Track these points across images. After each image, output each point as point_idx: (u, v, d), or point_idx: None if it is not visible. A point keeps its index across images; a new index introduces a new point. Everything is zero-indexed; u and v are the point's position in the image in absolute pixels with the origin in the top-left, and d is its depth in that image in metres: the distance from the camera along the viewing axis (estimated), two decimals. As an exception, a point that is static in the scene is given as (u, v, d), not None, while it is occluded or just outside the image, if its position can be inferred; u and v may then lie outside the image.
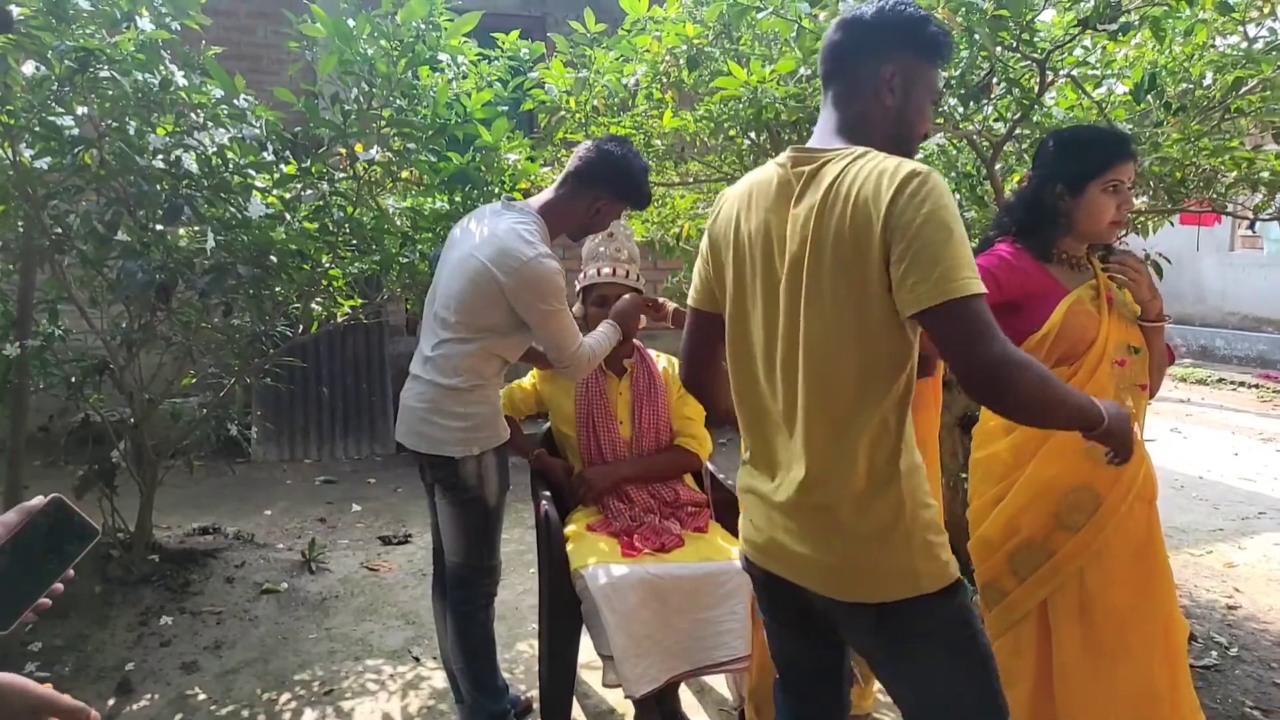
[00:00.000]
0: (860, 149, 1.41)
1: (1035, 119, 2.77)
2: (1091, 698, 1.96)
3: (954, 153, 3.30)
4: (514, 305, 2.23)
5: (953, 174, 3.29)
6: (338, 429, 5.88)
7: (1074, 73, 2.70)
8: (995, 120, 2.96)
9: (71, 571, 0.97)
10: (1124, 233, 2.24)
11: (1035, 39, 2.45)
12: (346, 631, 3.28)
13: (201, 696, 2.81)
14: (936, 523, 1.45)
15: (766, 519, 1.54)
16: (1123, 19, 2.33)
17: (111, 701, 2.77)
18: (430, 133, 2.78)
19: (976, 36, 2.25)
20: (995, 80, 2.71)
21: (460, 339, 2.30)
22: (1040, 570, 2.00)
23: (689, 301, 1.63)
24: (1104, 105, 2.74)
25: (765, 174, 1.52)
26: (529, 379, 2.80)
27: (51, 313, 3.14)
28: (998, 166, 2.98)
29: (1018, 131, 2.84)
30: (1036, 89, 2.60)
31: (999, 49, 2.48)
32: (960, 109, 2.76)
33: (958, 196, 3.28)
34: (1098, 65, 2.82)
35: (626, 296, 2.60)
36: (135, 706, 2.75)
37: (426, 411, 2.34)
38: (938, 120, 2.82)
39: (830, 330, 1.39)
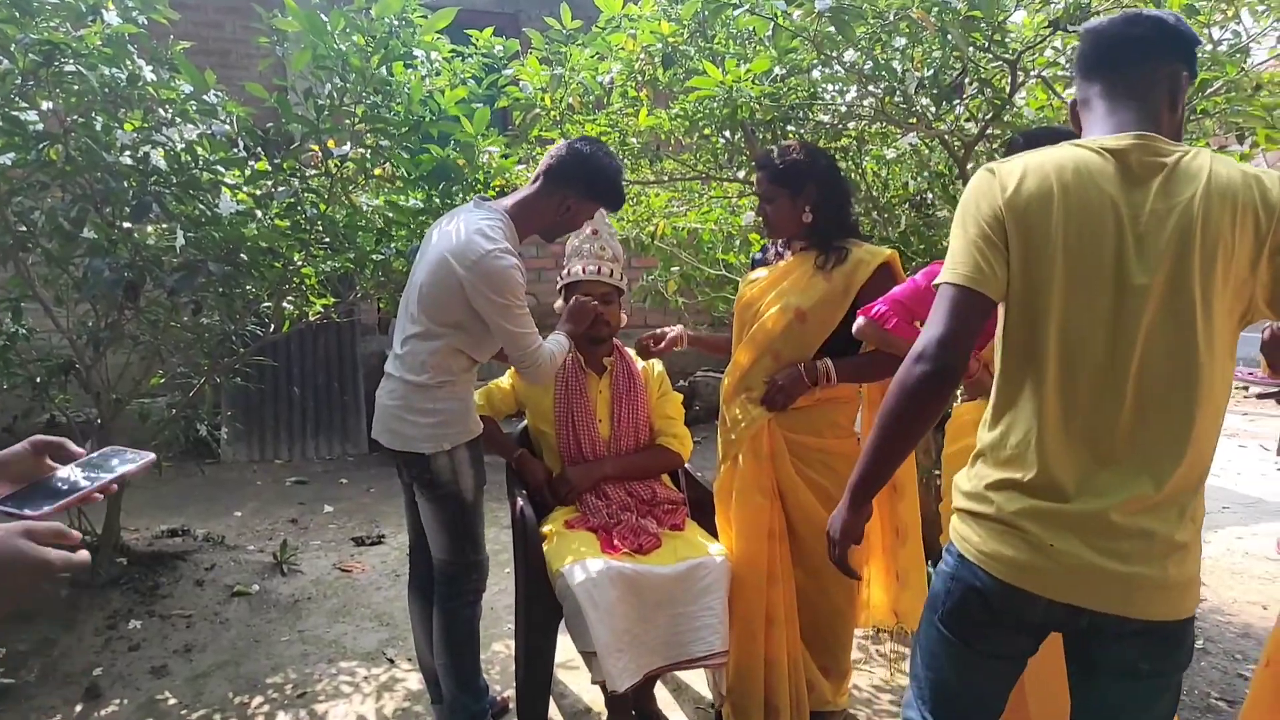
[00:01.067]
0: (1193, 148, 1.36)
1: (1006, 119, 2.80)
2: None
3: (926, 152, 3.33)
4: (471, 300, 2.21)
5: (925, 173, 3.32)
6: (309, 429, 5.82)
7: (1044, 73, 2.73)
8: (967, 120, 2.99)
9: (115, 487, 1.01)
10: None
11: (1006, 40, 2.48)
12: (319, 634, 3.25)
13: (172, 701, 2.77)
14: None
15: (1071, 534, 1.33)
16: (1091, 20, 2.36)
17: (79, 708, 2.72)
18: (404, 129, 2.76)
19: (950, 37, 2.27)
20: (967, 80, 2.74)
21: (424, 334, 2.30)
22: None
23: (964, 281, 1.35)
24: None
25: (1086, 156, 1.35)
26: (506, 379, 2.78)
27: (15, 311, 3.08)
28: (969, 166, 3.01)
29: (990, 131, 2.87)
30: (1008, 89, 2.63)
31: (971, 50, 2.51)
32: (933, 109, 2.79)
33: (930, 195, 3.31)
34: (1067, 65, 2.85)
35: (574, 303, 2.57)
36: (104, 712, 2.70)
37: (398, 409, 2.33)
38: (910, 120, 2.85)
39: (1220, 340, 1.33)
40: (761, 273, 2.53)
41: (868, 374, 2.47)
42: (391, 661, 3.05)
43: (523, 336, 2.27)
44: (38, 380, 3.11)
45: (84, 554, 0.93)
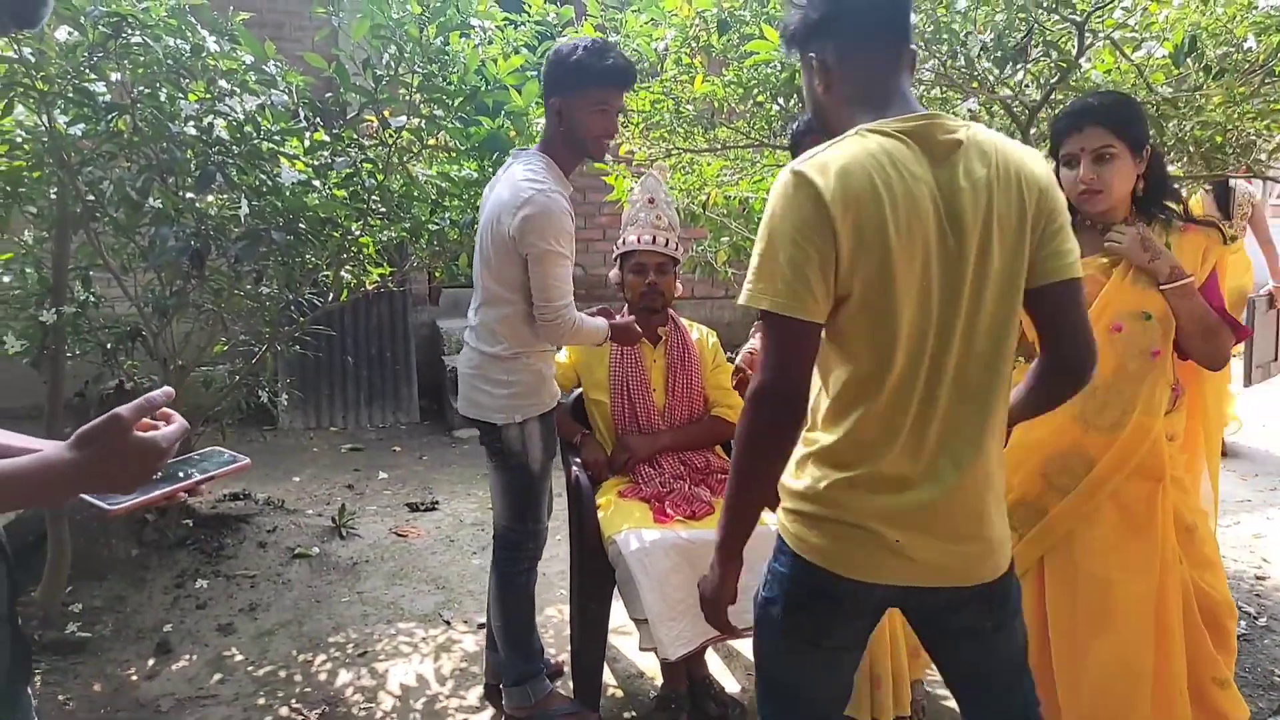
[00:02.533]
0: (964, 121, 1.36)
1: (1072, 83, 2.72)
2: (1071, 664, 1.97)
3: (987, 117, 3.25)
4: (520, 250, 2.18)
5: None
6: (363, 397, 5.91)
7: (1114, 35, 2.64)
8: (1030, 85, 2.91)
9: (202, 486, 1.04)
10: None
11: (1074, 1, 2.41)
12: (378, 595, 3.33)
13: (239, 657, 2.87)
14: None
15: (914, 527, 1.35)
16: (1166, -20, 2.28)
17: (151, 661, 2.82)
18: (459, 99, 2.77)
19: (1017, -2, 2.21)
20: (1032, 43, 2.66)
21: (492, 301, 2.31)
22: (1035, 528, 2.01)
23: (791, 313, 1.27)
24: (1142, 68, 2.69)
25: (888, 143, 1.30)
26: (563, 354, 2.79)
27: (85, 279, 3.16)
28: (1033, 132, 2.93)
29: (1054, 96, 2.79)
30: (1074, 52, 2.55)
31: (1038, 11, 2.44)
32: (995, 72, 2.72)
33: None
34: (1137, 28, 2.76)
35: (629, 325, 2.51)
36: (175, 667, 2.80)
37: (474, 377, 2.37)
38: (972, 84, 2.78)
39: (1010, 308, 1.35)
40: None
41: None
42: (448, 624, 3.12)
43: (554, 285, 2.20)
44: (107, 346, 3.20)
45: (180, 422, 0.99)
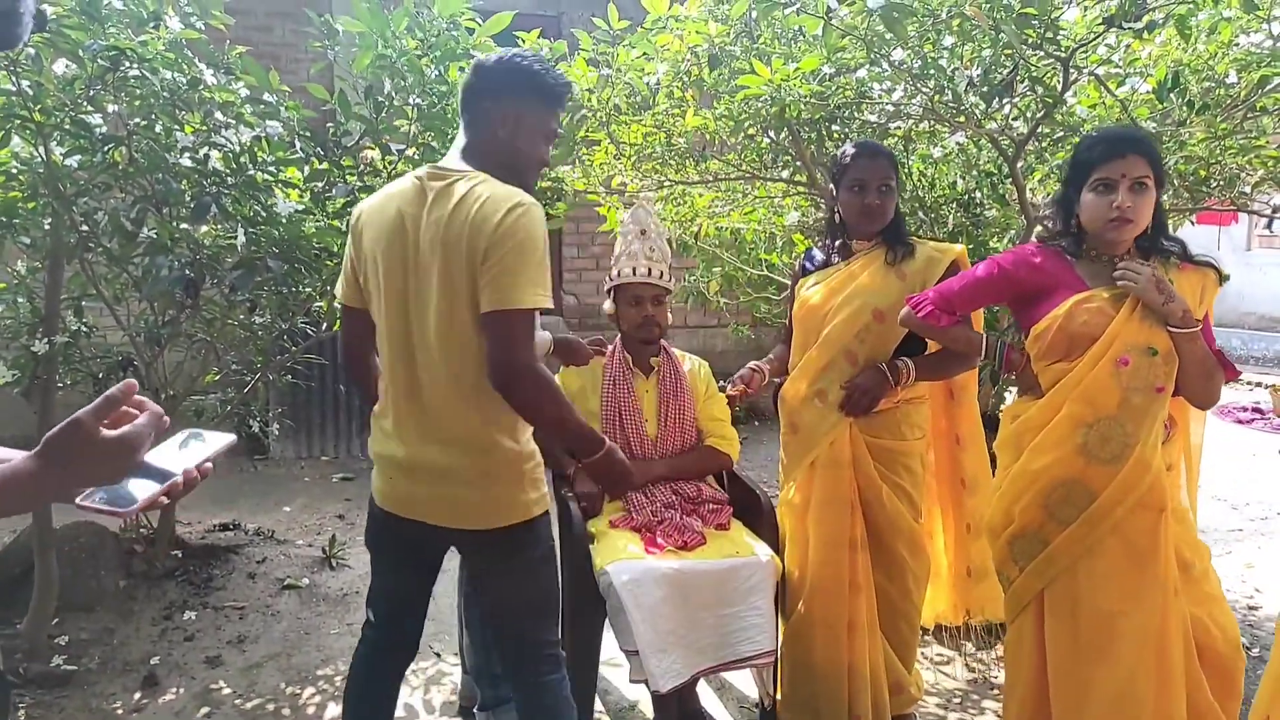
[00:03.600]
0: (482, 175, 1.74)
1: (1058, 117, 2.77)
2: (1071, 696, 1.97)
3: (975, 151, 3.30)
4: None
5: (973, 172, 3.29)
6: (354, 426, 5.90)
7: (1098, 71, 2.70)
8: (1016, 118, 2.97)
9: (210, 464, 1.02)
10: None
11: (1059, 37, 2.46)
12: (368, 627, 3.30)
13: (226, 690, 2.84)
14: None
15: (401, 471, 1.87)
16: (1147, 17, 2.33)
17: (138, 695, 2.79)
18: (455, 129, 2.79)
19: (1002, 34, 2.26)
20: (1018, 78, 2.71)
21: None
22: (1036, 560, 2.02)
23: (545, 304, 1.72)
24: (1127, 104, 2.74)
25: (404, 184, 1.82)
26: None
27: (77, 309, 3.17)
28: (1019, 165, 2.98)
29: (1040, 130, 2.84)
30: (1060, 87, 2.60)
31: (1023, 47, 2.49)
32: (982, 106, 2.77)
33: (979, 194, 3.28)
34: (1121, 63, 2.82)
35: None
36: (162, 700, 2.77)
37: None
38: (959, 119, 2.83)
39: (444, 321, 1.73)
40: (820, 276, 2.50)
41: (944, 370, 2.47)
42: (438, 655, 3.09)
43: None
44: (98, 376, 3.20)
45: (153, 409, 0.98)
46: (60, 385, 3.10)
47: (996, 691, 2.86)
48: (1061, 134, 2.86)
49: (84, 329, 3.18)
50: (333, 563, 3.85)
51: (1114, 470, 1.93)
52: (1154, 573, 1.94)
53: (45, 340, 2.86)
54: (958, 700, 2.81)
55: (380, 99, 2.72)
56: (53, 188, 2.62)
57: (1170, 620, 1.95)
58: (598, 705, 2.68)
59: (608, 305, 2.73)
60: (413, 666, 2.96)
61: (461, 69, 2.90)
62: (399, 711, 2.69)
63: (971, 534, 2.61)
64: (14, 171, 2.72)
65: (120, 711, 2.71)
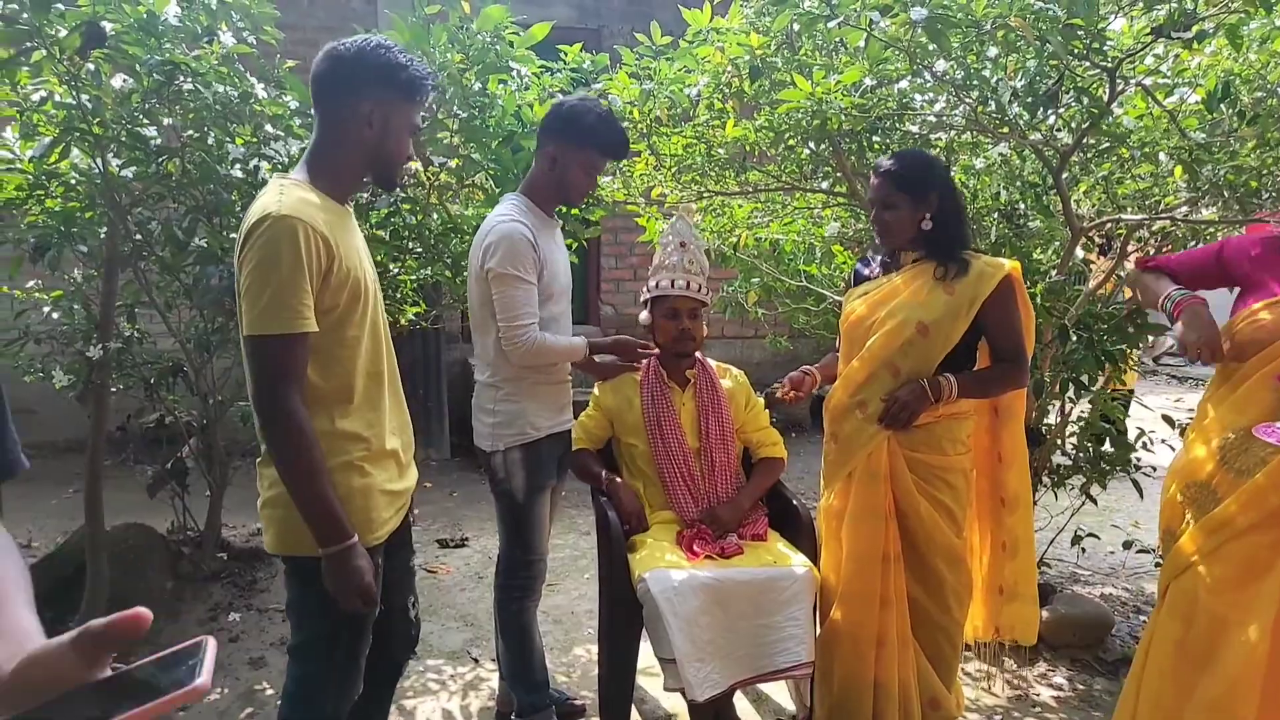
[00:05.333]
0: (280, 182, 1.68)
1: (1104, 128, 2.73)
2: (1169, 698, 1.93)
3: (1018, 162, 3.27)
4: (485, 272, 2.31)
5: (1017, 183, 3.26)
6: (395, 433, 5.97)
7: (1145, 81, 2.66)
8: (1061, 129, 2.94)
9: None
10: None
11: (1105, 47, 2.43)
12: (407, 632, 3.33)
13: (269, 691, 2.88)
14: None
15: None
16: (1197, 27, 2.30)
17: (183, 693, 2.84)
18: (496, 141, 2.84)
19: (1047, 45, 2.24)
20: (1063, 89, 2.68)
21: (479, 330, 2.46)
22: (1167, 555, 2.01)
23: (302, 329, 1.60)
24: (1175, 114, 2.70)
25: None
26: (592, 408, 2.80)
27: (130, 316, 3.26)
28: (1064, 176, 2.95)
29: (1085, 141, 2.81)
30: (1106, 98, 2.57)
31: (1069, 58, 2.47)
32: (1026, 117, 2.74)
33: (1022, 205, 3.25)
34: (1169, 73, 2.78)
35: (625, 341, 2.60)
36: (207, 700, 2.82)
37: (475, 407, 2.53)
38: (1002, 129, 2.80)
39: None
40: (869, 287, 2.50)
41: (989, 388, 2.45)
42: (476, 661, 3.12)
43: (511, 306, 2.29)
44: (149, 381, 3.28)
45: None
46: (113, 390, 3.18)
47: (1039, 709, 2.82)
48: (1107, 145, 2.83)
49: (137, 335, 3.27)
50: (373, 568, 3.89)
51: (1239, 482, 1.89)
52: (1270, 589, 1.86)
53: (100, 346, 2.94)
54: (998, 717, 2.77)
55: (423, 111, 2.76)
56: (109, 198, 2.70)
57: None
58: (635, 716, 2.68)
59: (644, 316, 2.75)
60: (450, 672, 3.01)
61: (502, 81, 2.94)
62: (437, 717, 2.72)
63: (1007, 553, 2.57)
64: (73, 182, 2.81)
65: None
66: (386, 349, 1.85)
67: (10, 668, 0.68)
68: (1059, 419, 3.53)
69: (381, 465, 1.80)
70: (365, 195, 2.99)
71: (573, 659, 3.14)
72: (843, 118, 2.76)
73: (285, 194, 1.62)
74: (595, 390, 2.83)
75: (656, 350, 2.68)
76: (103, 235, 2.97)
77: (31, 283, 3.43)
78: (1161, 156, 2.94)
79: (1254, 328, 1.94)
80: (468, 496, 5.13)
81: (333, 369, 1.70)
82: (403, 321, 3.57)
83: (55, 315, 3.39)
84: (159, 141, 2.75)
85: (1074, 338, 2.99)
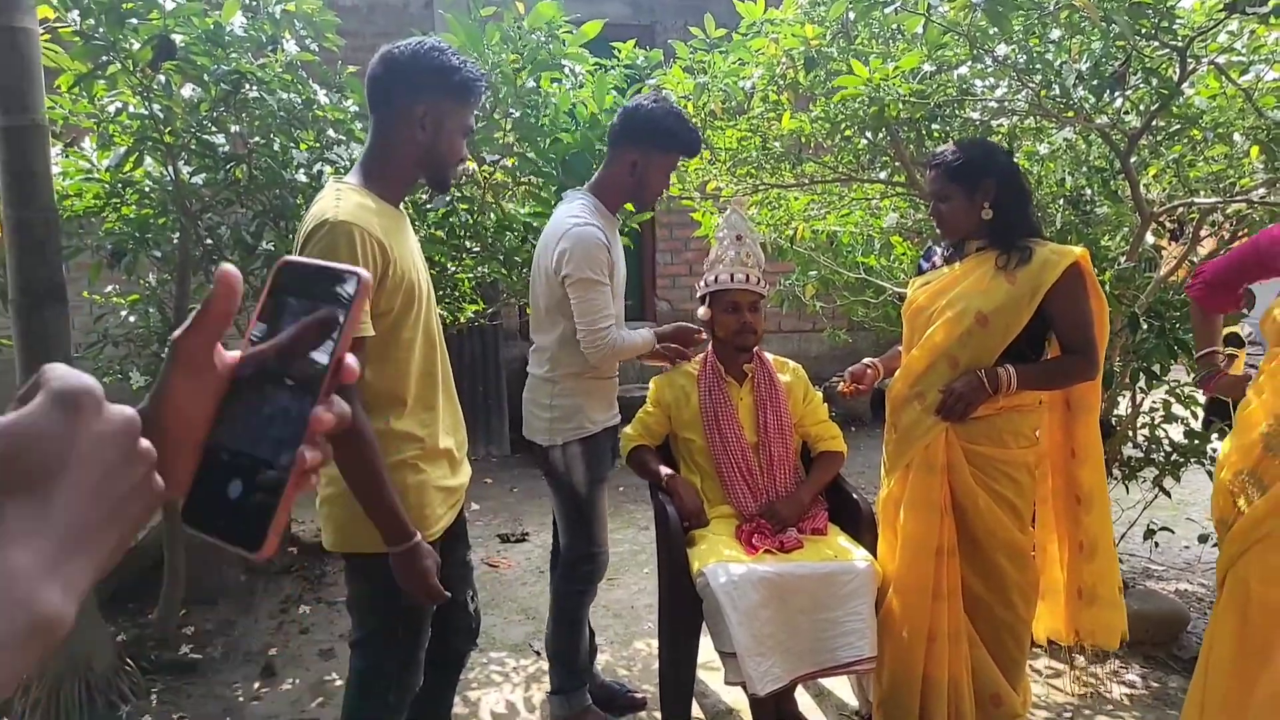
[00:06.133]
0: (336, 186, 1.72)
1: (1174, 110, 2.65)
2: (1234, 694, 1.88)
3: (1084, 146, 3.18)
4: (559, 279, 2.34)
5: (1083, 169, 3.18)
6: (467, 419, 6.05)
7: (1218, 60, 2.57)
8: (1129, 112, 2.85)
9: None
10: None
11: (1175, 26, 2.35)
12: (470, 625, 3.39)
13: (338, 682, 2.96)
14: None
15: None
16: (1273, 1, 2.21)
17: (257, 684, 2.94)
18: (551, 140, 2.86)
19: (1114, 25, 2.17)
20: (1130, 70, 2.61)
21: (540, 327, 2.48)
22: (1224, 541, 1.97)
23: (361, 333, 1.61)
24: (1251, 93, 2.60)
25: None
26: (649, 404, 2.81)
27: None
28: (1132, 160, 2.86)
29: (1155, 123, 2.73)
30: (1176, 78, 2.49)
31: (1136, 38, 2.39)
32: (1091, 100, 2.67)
33: (1089, 191, 3.17)
34: (1244, 50, 2.68)
35: (683, 327, 2.65)
36: (279, 689, 2.91)
37: (527, 401, 2.55)
38: (1066, 114, 2.73)
39: None
40: (931, 276, 2.47)
41: (1052, 381, 2.39)
42: (538, 654, 3.15)
43: (592, 310, 2.33)
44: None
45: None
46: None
47: (1111, 707, 2.75)
48: (1178, 126, 2.74)
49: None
50: (436, 562, 3.97)
51: None
52: None
53: (174, 347, 3.04)
54: (1068, 715, 2.71)
55: (477, 111, 2.80)
56: (180, 204, 2.79)
57: None
58: (695, 710, 2.69)
59: (702, 311, 2.74)
60: (513, 665, 3.05)
61: (555, 80, 2.96)
62: (500, 708, 2.77)
63: (1084, 554, 2.50)
64: (147, 190, 2.91)
65: (241, 699, 2.86)
66: (440, 350, 1.88)
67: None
68: (1130, 410, 3.43)
69: (436, 463, 1.83)
70: (423, 195, 3.04)
71: (633, 652, 3.16)
72: (901, 105, 2.72)
73: (342, 199, 1.65)
74: (652, 385, 2.83)
75: (706, 338, 2.69)
76: (175, 240, 3.07)
77: (110, 288, 3.56)
78: (1236, 137, 2.84)
79: None
80: (528, 492, 5.18)
81: (388, 371, 1.73)
82: (462, 319, 3.62)
83: (132, 319, 3.52)
84: (227, 149, 2.83)
85: (1144, 326, 2.91)
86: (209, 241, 3.02)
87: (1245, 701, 1.86)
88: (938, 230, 2.43)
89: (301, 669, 3.04)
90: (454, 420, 1.95)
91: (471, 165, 3.09)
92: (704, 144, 3.20)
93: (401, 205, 1.87)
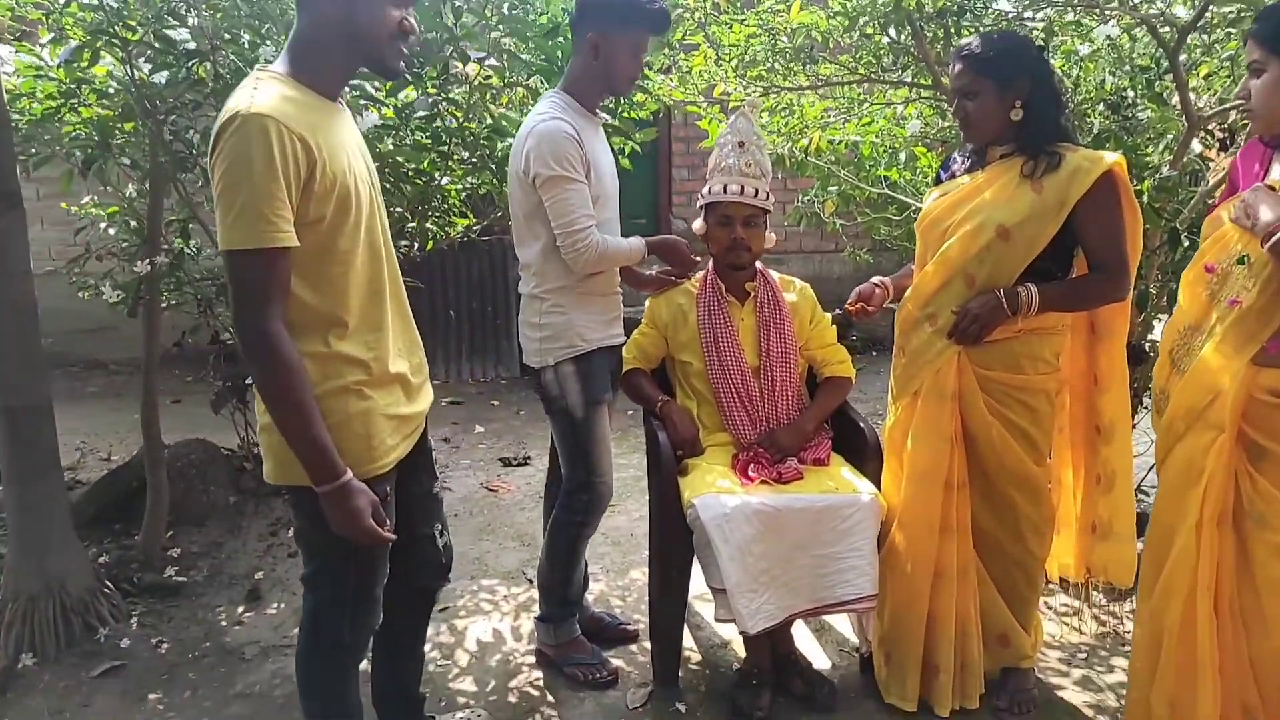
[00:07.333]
0: (253, 76, 1.54)
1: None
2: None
3: (1128, 43, 2.88)
4: (531, 181, 2.18)
5: (1126, 68, 2.88)
6: (464, 351, 5.93)
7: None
8: (1180, 2, 2.56)
9: None
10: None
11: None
12: (463, 550, 3.30)
13: (323, 607, 2.88)
14: None
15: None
16: None
17: (241, 609, 2.87)
18: (542, 34, 2.62)
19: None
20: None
21: (522, 240, 2.33)
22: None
23: (280, 243, 1.44)
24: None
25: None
26: (645, 324, 2.62)
27: (184, 231, 3.20)
28: (1181, 58, 2.58)
29: (1209, 12, 2.43)
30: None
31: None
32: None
33: (1130, 94, 2.87)
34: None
35: (674, 242, 2.46)
36: (263, 614, 2.84)
37: (520, 322, 2.41)
38: (1109, 5, 2.45)
39: None
40: (949, 186, 2.24)
41: (1078, 302, 2.18)
42: (531, 581, 3.05)
43: (568, 210, 2.16)
44: (199, 298, 3.25)
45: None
46: (164, 306, 3.15)
47: (1129, 648, 2.60)
48: (1234, 15, 2.44)
49: (189, 251, 3.22)
50: (433, 486, 3.87)
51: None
52: (1194, 496, 1.76)
53: (148, 261, 2.89)
54: (1083, 656, 2.57)
55: (458, 2, 2.56)
56: (142, 106, 2.60)
57: (1202, 559, 1.76)
58: (688, 641, 2.58)
59: (698, 224, 2.53)
60: (504, 593, 2.96)
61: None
62: (488, 637, 2.68)
63: (1101, 487, 2.32)
64: (109, 90, 2.72)
65: (224, 623, 2.79)
66: (389, 263, 1.70)
67: None
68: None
69: (385, 389, 1.66)
70: (401, 96, 2.82)
71: (629, 582, 3.05)
72: (923, -5, 2.44)
73: (260, 89, 1.46)
74: (648, 304, 2.65)
75: (697, 261, 2.49)
76: (146, 148, 2.89)
77: (86, 199, 3.41)
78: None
79: (1211, 227, 1.83)
80: (533, 414, 5.06)
81: (325, 287, 1.55)
82: (453, 234, 3.42)
83: (112, 231, 3.37)
84: (191, 45, 2.62)
85: (1185, 244, 2.67)
86: (178, 147, 2.83)
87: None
88: (960, 132, 2.18)
89: (288, 593, 2.96)
90: (408, 342, 1.78)
91: (473, 68, 2.85)
92: (690, 40, 2.95)
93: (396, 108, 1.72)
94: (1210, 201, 2.78)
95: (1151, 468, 3.31)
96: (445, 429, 4.83)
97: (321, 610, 1.76)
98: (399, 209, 3.05)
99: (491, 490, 3.91)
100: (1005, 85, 2.04)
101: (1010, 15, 2.75)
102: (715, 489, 2.24)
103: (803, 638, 2.61)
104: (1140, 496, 3.20)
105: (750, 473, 2.34)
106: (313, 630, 1.77)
